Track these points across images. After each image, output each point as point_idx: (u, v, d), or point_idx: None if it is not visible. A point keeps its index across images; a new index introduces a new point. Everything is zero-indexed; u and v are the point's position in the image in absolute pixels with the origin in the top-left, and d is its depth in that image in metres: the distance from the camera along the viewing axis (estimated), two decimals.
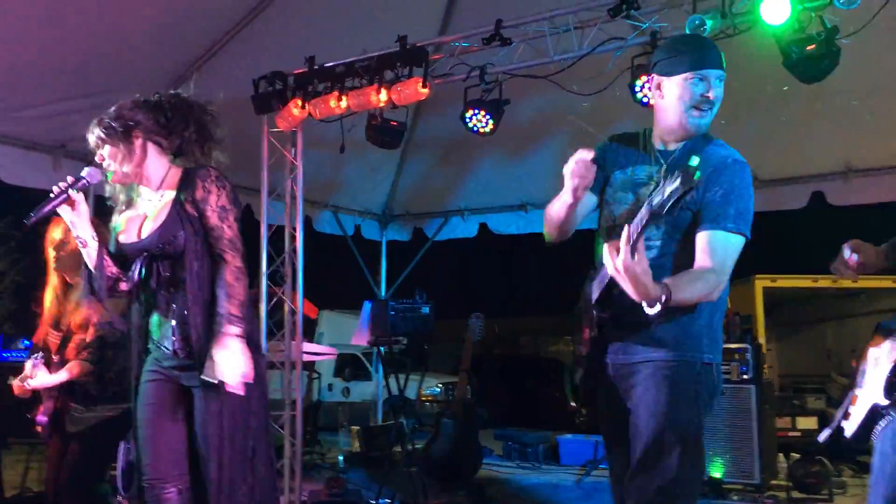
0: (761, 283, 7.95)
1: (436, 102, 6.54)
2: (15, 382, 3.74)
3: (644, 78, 4.71)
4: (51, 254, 3.73)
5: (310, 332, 13.85)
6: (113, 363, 3.73)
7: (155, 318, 2.85)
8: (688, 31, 4.37)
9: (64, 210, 2.75)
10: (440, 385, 13.35)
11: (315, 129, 6.26)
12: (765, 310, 8.45)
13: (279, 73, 5.75)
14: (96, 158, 2.84)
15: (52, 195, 2.74)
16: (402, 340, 6.12)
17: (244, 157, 5.73)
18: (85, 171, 2.80)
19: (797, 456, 6.16)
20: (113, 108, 2.84)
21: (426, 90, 5.30)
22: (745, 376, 6.08)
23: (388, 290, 9.35)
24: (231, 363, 2.66)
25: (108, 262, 2.85)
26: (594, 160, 2.44)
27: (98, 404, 3.72)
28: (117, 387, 3.75)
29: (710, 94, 2.51)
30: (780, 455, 6.53)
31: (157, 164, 2.87)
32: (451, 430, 6.96)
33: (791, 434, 7.08)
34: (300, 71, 5.73)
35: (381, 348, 6.22)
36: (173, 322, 2.78)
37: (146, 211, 2.86)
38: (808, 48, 4.29)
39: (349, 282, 9.87)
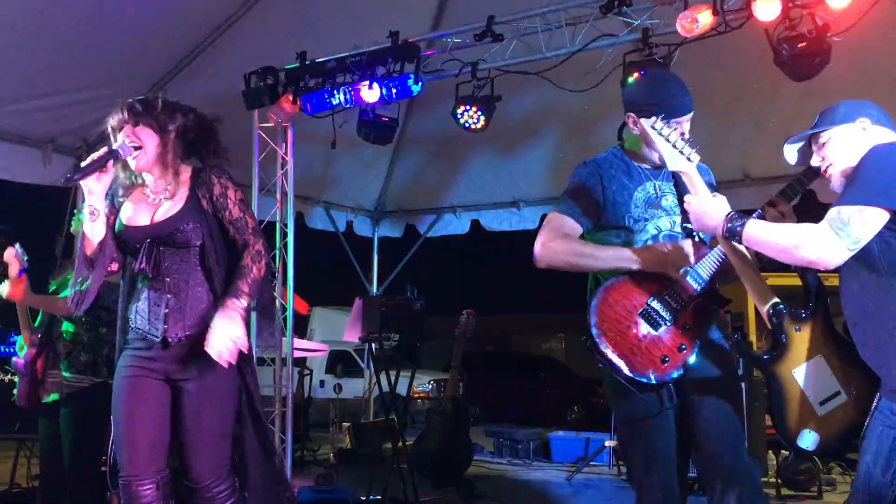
0: None
1: (428, 98, 6.53)
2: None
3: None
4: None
5: (301, 329, 13.88)
6: (104, 327, 3.81)
7: (142, 306, 2.84)
8: (679, 27, 4.39)
9: (90, 178, 2.73)
10: (432, 382, 13.36)
11: (306, 125, 6.24)
12: (755, 308, 8.48)
13: (270, 69, 5.73)
14: (125, 137, 2.82)
15: (89, 162, 2.73)
16: (394, 337, 6.10)
17: (234, 152, 5.65)
18: (116, 145, 2.80)
19: (786, 453, 6.17)
20: (152, 98, 2.92)
21: (418, 86, 5.29)
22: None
23: (379, 287, 9.34)
24: (226, 332, 2.69)
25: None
26: (593, 183, 2.78)
27: (77, 372, 3.74)
28: (110, 357, 3.80)
29: (685, 134, 2.73)
30: (770, 452, 6.55)
31: (178, 160, 2.93)
32: (442, 427, 6.96)
33: None
34: (291, 66, 5.71)
35: (373, 345, 6.21)
36: (166, 310, 2.79)
37: (157, 201, 2.90)
38: (799, 46, 4.30)
39: (341, 278, 9.87)
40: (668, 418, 2.74)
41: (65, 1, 5.05)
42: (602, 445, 7.61)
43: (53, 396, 3.85)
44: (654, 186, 2.83)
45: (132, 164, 2.85)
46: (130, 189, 2.96)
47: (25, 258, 3.87)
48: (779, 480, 5.98)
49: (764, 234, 2.34)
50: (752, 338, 7.99)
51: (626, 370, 2.62)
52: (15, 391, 3.99)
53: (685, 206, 2.55)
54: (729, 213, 2.42)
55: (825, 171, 2.49)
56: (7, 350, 5.54)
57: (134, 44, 5.58)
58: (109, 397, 3.81)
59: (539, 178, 7.93)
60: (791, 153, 2.61)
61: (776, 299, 2.56)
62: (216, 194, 2.88)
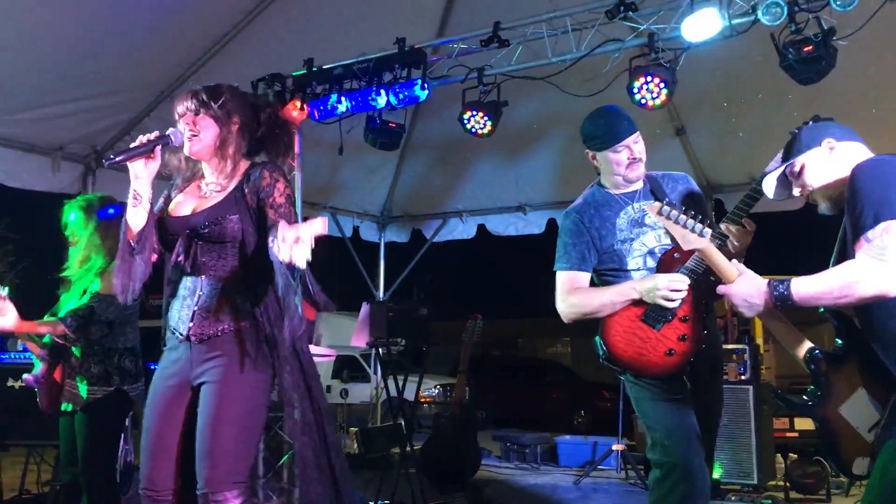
0: None
1: (434, 104, 6.55)
2: None
3: (642, 79, 4.72)
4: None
5: (308, 334, 13.88)
6: (106, 340, 3.79)
7: (177, 303, 2.74)
8: (682, 34, 4.42)
9: (138, 162, 2.64)
10: (438, 386, 13.37)
11: (313, 131, 6.27)
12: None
13: (278, 75, 5.77)
14: (185, 124, 2.74)
15: (136, 144, 2.64)
16: (401, 342, 6.11)
17: None
18: (170, 131, 2.70)
19: (795, 456, 6.17)
20: (218, 85, 2.81)
21: (424, 92, 5.31)
22: (742, 377, 6.09)
23: (386, 292, 9.36)
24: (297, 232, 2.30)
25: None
26: (579, 229, 3.08)
27: (91, 384, 3.76)
28: (121, 366, 3.82)
29: (634, 154, 3.09)
30: (778, 455, 6.54)
31: (236, 153, 2.84)
32: (450, 432, 6.96)
33: (788, 434, 7.09)
34: (299, 73, 5.74)
35: (380, 350, 6.21)
36: (195, 308, 2.69)
37: (208, 194, 2.80)
38: (805, 49, 4.31)
39: (347, 283, 9.86)
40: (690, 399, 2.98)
41: (72, 9, 5.08)
42: (609, 449, 7.60)
43: (68, 406, 3.86)
44: (633, 208, 3.11)
45: (186, 147, 2.75)
46: (189, 181, 2.88)
47: (5, 290, 3.64)
48: (787, 484, 5.97)
49: (815, 288, 2.29)
50: (760, 341, 7.99)
51: (640, 372, 2.94)
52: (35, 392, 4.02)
53: (722, 297, 2.45)
54: (769, 283, 2.37)
55: (808, 197, 2.54)
56: (12, 358, 5.55)
57: (141, 51, 5.61)
58: (122, 405, 3.87)
59: (545, 182, 7.94)
60: (770, 188, 2.64)
61: (810, 345, 2.60)
62: (263, 185, 2.73)
